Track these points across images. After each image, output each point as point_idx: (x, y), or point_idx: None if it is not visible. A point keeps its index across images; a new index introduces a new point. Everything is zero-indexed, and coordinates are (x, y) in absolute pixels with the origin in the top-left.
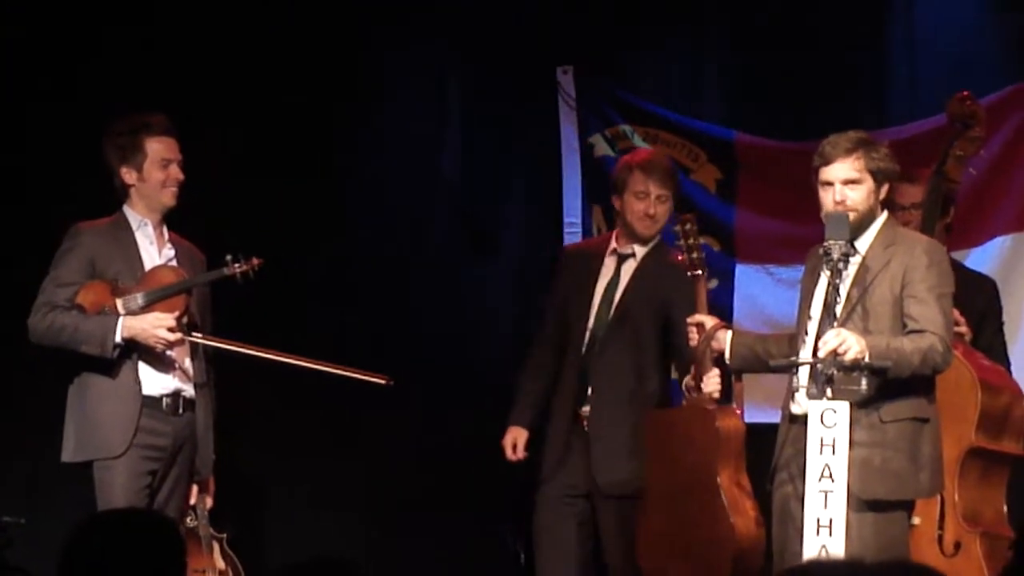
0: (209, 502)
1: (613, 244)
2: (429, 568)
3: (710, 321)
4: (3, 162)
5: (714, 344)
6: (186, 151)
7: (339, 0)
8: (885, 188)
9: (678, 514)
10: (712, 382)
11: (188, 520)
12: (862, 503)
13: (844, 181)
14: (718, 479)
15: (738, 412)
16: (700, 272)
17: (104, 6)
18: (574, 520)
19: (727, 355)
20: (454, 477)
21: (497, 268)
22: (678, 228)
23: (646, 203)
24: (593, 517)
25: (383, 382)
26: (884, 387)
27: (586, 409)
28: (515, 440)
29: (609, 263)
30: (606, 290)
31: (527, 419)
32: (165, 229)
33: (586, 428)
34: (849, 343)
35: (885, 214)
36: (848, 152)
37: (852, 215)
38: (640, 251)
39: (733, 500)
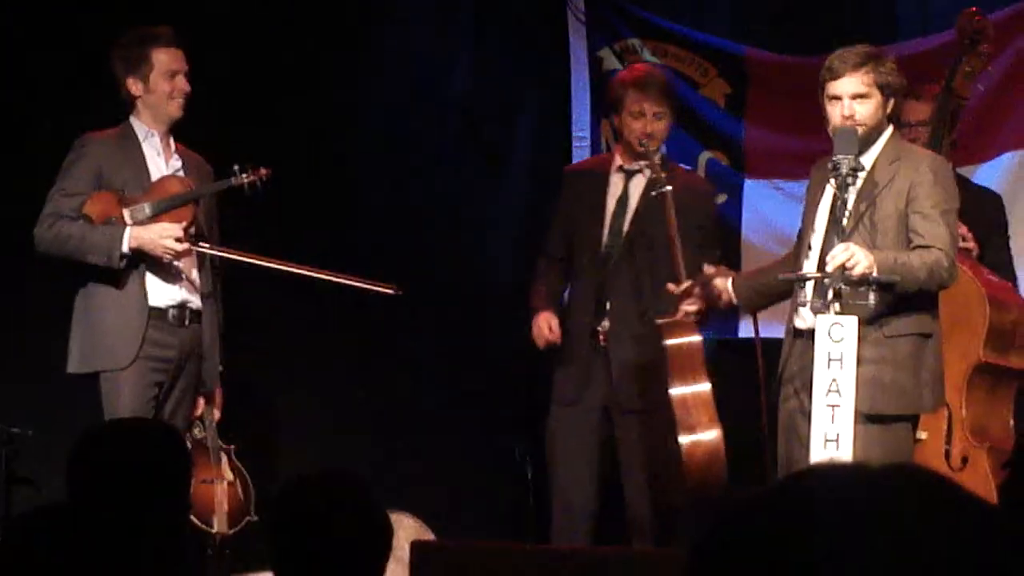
0: (216, 414)
1: (618, 161)
2: (435, 481)
3: (710, 268)
4: (11, 69)
5: (721, 295)
6: (193, 63)
7: None
8: (892, 103)
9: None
10: (689, 305)
11: (195, 431)
12: (865, 417)
13: (852, 95)
14: (669, 394)
15: (694, 325)
16: (667, 188)
17: None
18: (595, 437)
19: (736, 300)
20: (462, 390)
21: (507, 181)
22: (643, 157)
23: (642, 122)
24: (613, 433)
25: (391, 291)
26: (888, 303)
27: (605, 324)
28: (548, 322)
29: (617, 180)
30: (617, 207)
31: (552, 305)
32: (172, 140)
33: (603, 344)
34: (858, 257)
35: (891, 129)
36: (857, 66)
37: (860, 130)
38: (641, 166)
39: (684, 416)
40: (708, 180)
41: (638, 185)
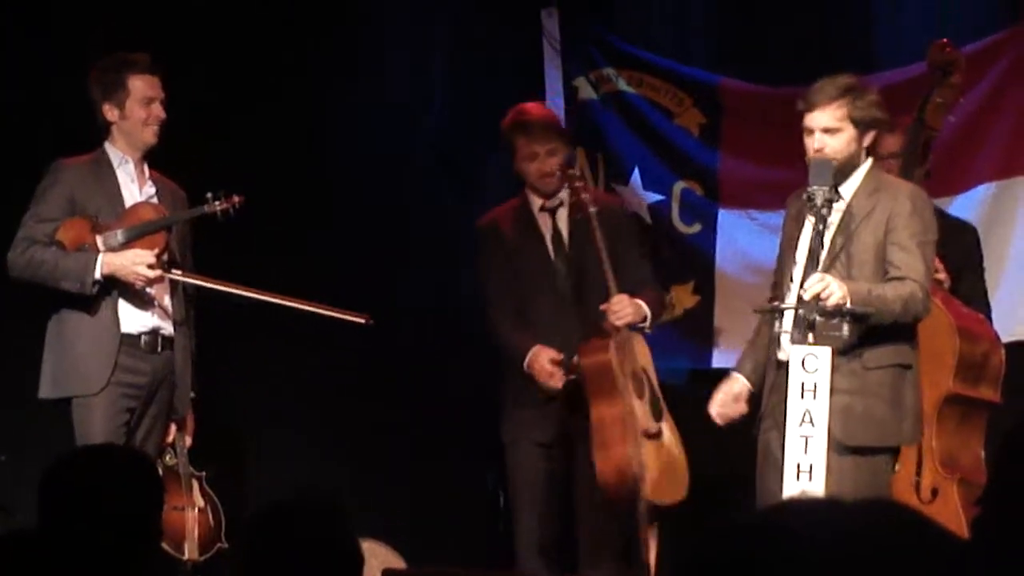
0: (188, 440)
1: (537, 202)
2: (407, 509)
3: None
4: None
5: (739, 400)
6: (166, 88)
7: None
8: (871, 135)
9: None
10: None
11: (167, 458)
12: (845, 448)
13: (824, 129)
14: (590, 414)
15: (608, 344)
16: (593, 209)
17: None
18: (549, 468)
19: (753, 389)
20: (434, 419)
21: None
22: (568, 184)
23: (537, 163)
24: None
25: (363, 321)
26: (867, 334)
27: (575, 360)
28: (550, 358)
29: (544, 220)
30: (554, 244)
31: (536, 340)
32: (146, 167)
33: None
34: (832, 288)
35: (870, 161)
36: (831, 99)
37: (835, 162)
38: (561, 199)
39: (598, 433)
40: (619, 197)
41: (563, 218)
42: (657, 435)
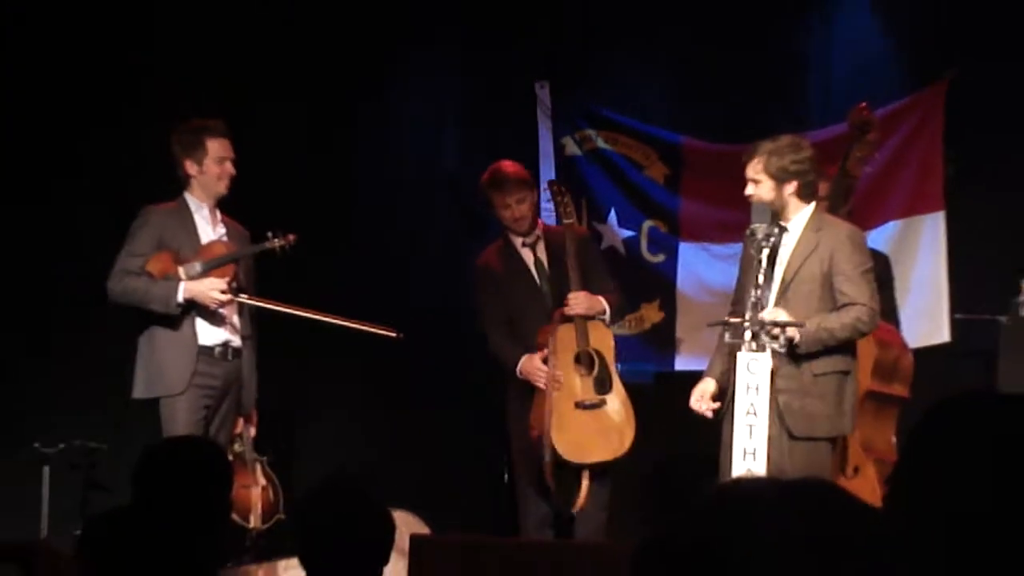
0: (252, 431)
1: (520, 240)
2: (428, 485)
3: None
4: (91, 159)
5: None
6: (242, 151)
7: (360, 24)
8: (794, 184)
9: None
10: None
11: (236, 446)
12: (793, 437)
13: (748, 179)
14: None
15: (554, 330)
16: (572, 220)
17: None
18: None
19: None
20: (449, 413)
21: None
22: (554, 198)
23: (509, 211)
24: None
25: (393, 335)
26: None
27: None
28: (536, 365)
29: (527, 254)
30: (537, 272)
31: (526, 351)
32: (218, 212)
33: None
34: (789, 332)
35: (813, 204)
36: (752, 156)
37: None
38: (538, 234)
39: (535, 399)
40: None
41: (542, 250)
42: (597, 405)
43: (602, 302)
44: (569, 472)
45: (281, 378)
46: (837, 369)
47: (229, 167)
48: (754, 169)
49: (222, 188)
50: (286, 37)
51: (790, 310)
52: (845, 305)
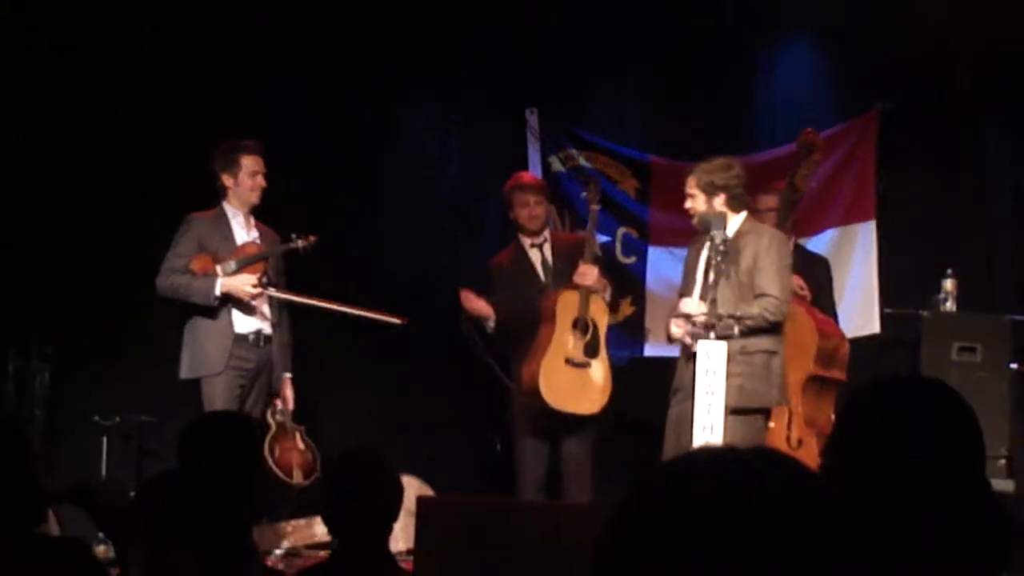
0: (291, 404)
1: (528, 241)
2: (431, 453)
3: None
4: (150, 162)
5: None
6: (269, 160)
7: (374, 59)
8: (722, 197)
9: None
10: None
11: (278, 416)
12: (734, 411)
13: (686, 194)
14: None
15: (559, 295)
16: (596, 207)
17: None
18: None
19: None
20: (448, 390)
21: (478, 249)
22: (588, 187)
23: (528, 210)
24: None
25: (399, 322)
26: (750, 331)
27: None
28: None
29: (534, 254)
30: (543, 269)
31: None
32: (252, 218)
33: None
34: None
35: (744, 213)
36: (688, 174)
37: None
38: (546, 237)
39: (533, 350)
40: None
41: (547, 250)
42: (583, 365)
43: (605, 282)
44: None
45: (316, 361)
46: (765, 348)
47: (260, 180)
48: (689, 185)
49: (254, 199)
50: (308, 74)
51: (721, 303)
52: (758, 296)
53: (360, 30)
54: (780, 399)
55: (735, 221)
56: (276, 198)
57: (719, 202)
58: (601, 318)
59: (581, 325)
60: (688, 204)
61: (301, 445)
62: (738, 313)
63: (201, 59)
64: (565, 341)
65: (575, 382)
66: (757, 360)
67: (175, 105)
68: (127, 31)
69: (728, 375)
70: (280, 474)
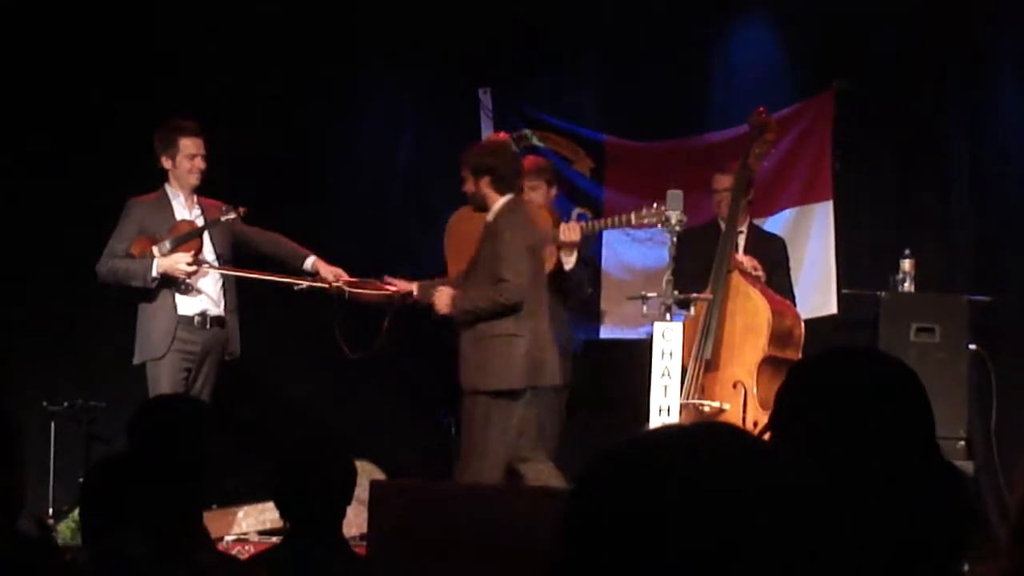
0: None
1: None
2: (384, 436)
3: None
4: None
5: None
6: (225, 141)
7: (326, 39)
8: (486, 178)
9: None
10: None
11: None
12: (475, 392)
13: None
14: None
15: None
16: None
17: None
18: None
19: None
20: (403, 376)
21: (434, 235)
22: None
23: (536, 193)
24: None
25: (327, 286)
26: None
27: None
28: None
29: None
30: None
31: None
32: (195, 196)
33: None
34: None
35: (509, 196)
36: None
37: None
38: None
39: None
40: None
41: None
42: None
43: (575, 253)
44: None
45: (257, 346)
46: (501, 332)
47: (199, 162)
48: (462, 166)
49: (193, 180)
50: (262, 52)
51: (470, 289)
52: (495, 282)
53: (312, 10)
54: (524, 381)
55: (498, 204)
56: (224, 182)
57: (484, 184)
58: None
59: None
60: (465, 186)
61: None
62: (475, 298)
63: (148, 35)
64: None
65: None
66: (496, 344)
67: (122, 88)
68: (77, 17)
69: (468, 359)
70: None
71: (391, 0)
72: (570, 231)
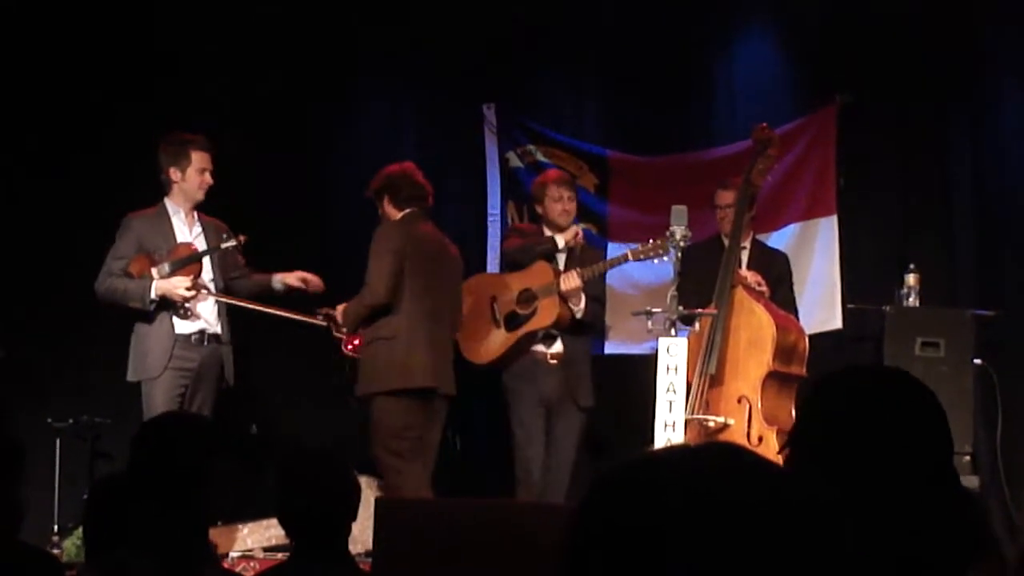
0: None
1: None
2: None
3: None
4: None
5: None
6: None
7: (329, 54)
8: (385, 198)
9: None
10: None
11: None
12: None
13: None
14: None
15: None
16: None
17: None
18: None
19: None
20: None
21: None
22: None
23: (562, 204)
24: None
25: (323, 324)
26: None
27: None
28: None
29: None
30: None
31: None
32: (196, 213)
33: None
34: None
35: (406, 211)
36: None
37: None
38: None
39: None
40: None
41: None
42: (495, 324)
43: (582, 299)
44: None
45: (260, 362)
46: (377, 336)
47: (208, 177)
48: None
49: (200, 195)
50: (261, 65)
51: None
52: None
53: (315, 24)
54: (397, 383)
55: (395, 219)
56: (225, 196)
57: (385, 202)
58: (544, 313)
59: (527, 297)
60: None
61: None
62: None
63: (148, 35)
64: (506, 296)
65: (483, 333)
66: (375, 348)
67: (122, 88)
68: (77, 17)
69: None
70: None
71: (393, 15)
72: (569, 280)
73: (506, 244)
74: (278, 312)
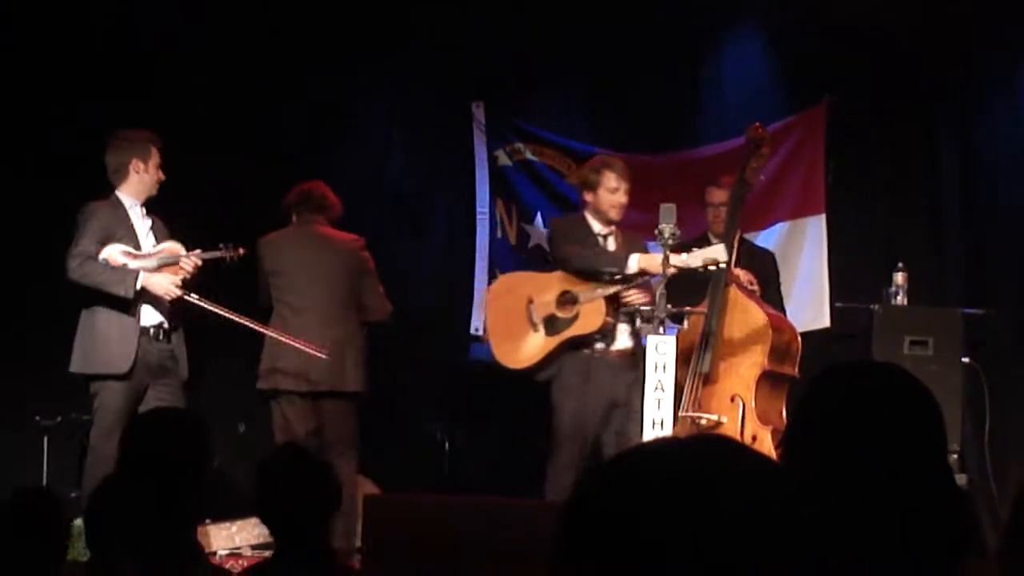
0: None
1: (597, 227)
2: (382, 451)
3: None
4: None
5: None
6: (205, 163)
7: (318, 52)
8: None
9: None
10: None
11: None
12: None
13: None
14: None
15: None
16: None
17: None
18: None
19: None
20: (399, 389)
21: (427, 244)
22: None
23: (617, 196)
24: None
25: (323, 355)
26: None
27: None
28: None
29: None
30: None
31: None
32: (144, 208)
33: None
34: None
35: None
36: None
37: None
38: (613, 229)
39: None
40: None
41: (612, 240)
42: (533, 326)
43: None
44: None
45: (242, 362)
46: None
47: (161, 173)
48: None
49: (155, 190)
50: (252, 61)
51: None
52: None
53: (304, 23)
54: (268, 383)
55: None
56: (213, 197)
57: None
58: (588, 318)
59: (569, 299)
60: None
61: None
62: None
63: (136, 39)
64: (545, 297)
65: (519, 336)
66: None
67: (96, 100)
68: (67, 19)
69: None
70: None
71: (381, 14)
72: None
73: (567, 249)
74: (256, 326)
